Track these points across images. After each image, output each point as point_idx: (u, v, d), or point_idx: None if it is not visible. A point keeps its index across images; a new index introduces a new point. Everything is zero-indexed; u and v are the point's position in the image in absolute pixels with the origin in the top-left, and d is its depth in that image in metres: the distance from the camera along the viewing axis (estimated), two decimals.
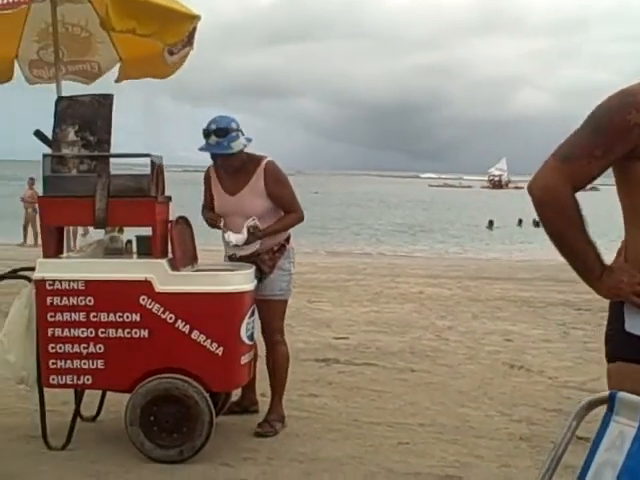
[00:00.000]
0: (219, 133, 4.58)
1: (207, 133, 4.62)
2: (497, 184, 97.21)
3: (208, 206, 4.95)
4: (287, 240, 4.91)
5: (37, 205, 15.69)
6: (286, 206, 4.82)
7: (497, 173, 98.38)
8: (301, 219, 4.86)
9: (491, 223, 34.76)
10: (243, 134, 4.68)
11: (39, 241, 17.95)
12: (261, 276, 4.74)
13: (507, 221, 35.97)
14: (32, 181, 20.57)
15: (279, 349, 4.89)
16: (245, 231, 4.61)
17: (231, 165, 4.72)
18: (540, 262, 17.21)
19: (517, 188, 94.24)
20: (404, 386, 5.97)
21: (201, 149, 4.71)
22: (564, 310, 9.69)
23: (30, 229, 20.27)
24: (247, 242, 4.64)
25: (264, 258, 4.77)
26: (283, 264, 4.84)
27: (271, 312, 4.85)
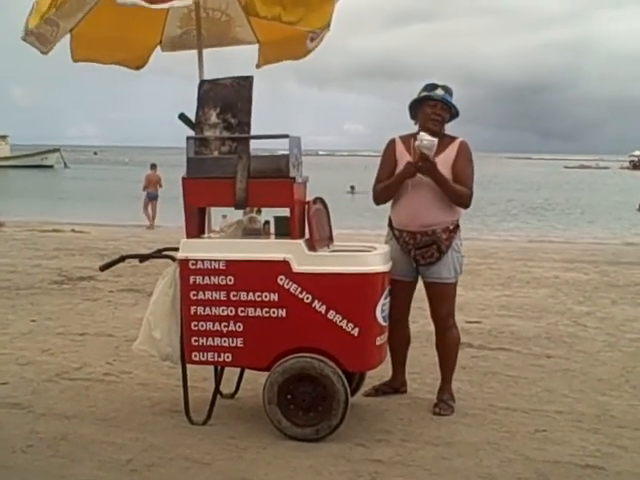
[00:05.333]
0: (446, 89, 4.86)
1: (433, 86, 4.87)
2: (638, 165, 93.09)
3: (384, 180, 4.93)
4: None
5: (149, 188, 16.75)
6: (463, 181, 4.79)
7: None
8: (469, 197, 4.81)
9: None
10: None
11: (155, 222, 19.19)
12: (439, 256, 4.81)
13: None
14: (154, 167, 21.48)
15: (453, 332, 4.98)
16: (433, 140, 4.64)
17: (441, 117, 4.85)
18: None
19: None
20: (540, 372, 5.83)
21: (427, 96, 4.85)
22: None
23: (150, 211, 21.25)
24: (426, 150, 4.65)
25: (442, 237, 4.80)
26: (457, 244, 4.89)
27: (445, 295, 4.92)
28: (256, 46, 6.17)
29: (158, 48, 6.24)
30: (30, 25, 4.90)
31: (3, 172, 57.55)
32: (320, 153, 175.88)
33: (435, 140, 4.63)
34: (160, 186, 21.01)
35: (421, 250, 4.82)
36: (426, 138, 4.62)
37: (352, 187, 38.72)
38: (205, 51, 5.57)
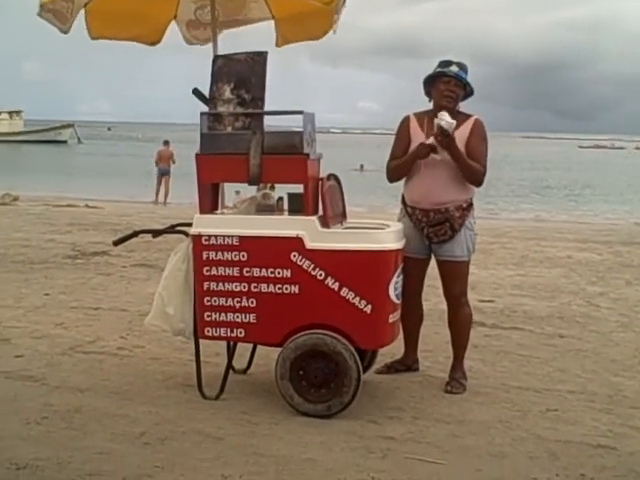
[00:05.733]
0: (461, 66, 4.82)
1: (448, 62, 4.82)
2: None
3: (398, 157, 4.92)
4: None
5: (161, 163, 16.98)
6: (477, 158, 4.76)
7: None
8: (483, 174, 4.78)
9: None
10: None
11: (167, 199, 19.59)
12: (452, 234, 4.80)
13: None
14: (166, 143, 21.76)
15: (465, 310, 4.99)
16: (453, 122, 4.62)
17: (455, 94, 4.80)
18: None
19: None
20: (552, 352, 5.82)
21: (440, 72, 4.80)
22: None
23: (163, 188, 21.60)
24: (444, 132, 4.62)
25: (455, 215, 4.79)
26: (470, 222, 4.88)
27: (458, 273, 4.92)
28: (271, 23, 6.14)
29: (173, 24, 6.22)
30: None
31: (17, 147, 57.74)
32: (333, 131, 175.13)
33: (454, 122, 4.61)
34: (173, 162, 21.15)
35: (434, 228, 4.81)
36: (445, 119, 4.59)
37: (361, 165, 39.12)
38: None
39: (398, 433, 4.16)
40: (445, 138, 4.62)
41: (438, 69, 4.84)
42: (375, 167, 36.88)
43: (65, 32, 5.26)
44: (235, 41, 6.24)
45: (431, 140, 4.69)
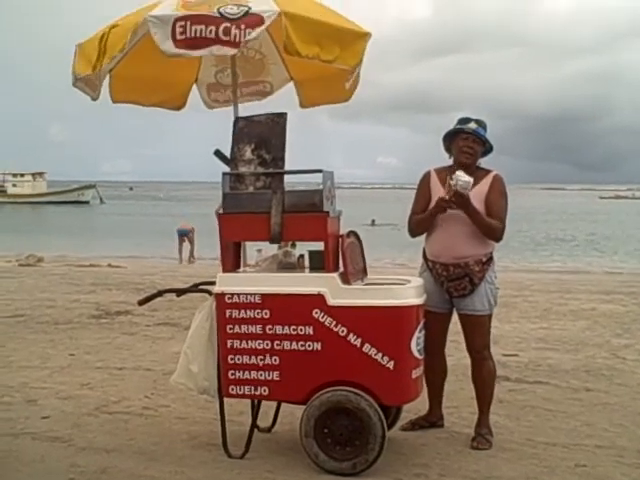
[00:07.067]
0: (480, 122, 4.91)
1: (467, 120, 4.92)
2: None
3: (419, 212, 4.98)
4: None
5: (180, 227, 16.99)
6: (495, 214, 4.80)
7: None
8: (501, 230, 4.81)
9: None
10: None
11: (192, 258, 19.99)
12: (472, 288, 4.82)
13: None
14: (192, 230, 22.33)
15: (488, 365, 4.96)
16: (470, 180, 4.64)
17: (474, 150, 4.87)
18: None
19: None
20: (579, 406, 5.75)
21: (459, 129, 4.89)
22: None
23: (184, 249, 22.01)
24: (460, 190, 4.63)
25: (474, 269, 4.81)
26: (490, 276, 4.89)
27: (479, 327, 4.91)
28: (290, 84, 6.27)
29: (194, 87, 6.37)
30: (78, 71, 5.01)
31: (40, 208, 58.59)
32: (351, 186, 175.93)
33: (471, 180, 4.64)
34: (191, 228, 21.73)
35: (454, 282, 4.83)
36: (462, 179, 4.61)
37: (373, 220, 39.59)
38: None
39: None
40: (460, 198, 4.66)
41: (457, 126, 4.91)
42: (386, 222, 37.07)
43: (95, 99, 5.39)
44: (255, 102, 6.37)
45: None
